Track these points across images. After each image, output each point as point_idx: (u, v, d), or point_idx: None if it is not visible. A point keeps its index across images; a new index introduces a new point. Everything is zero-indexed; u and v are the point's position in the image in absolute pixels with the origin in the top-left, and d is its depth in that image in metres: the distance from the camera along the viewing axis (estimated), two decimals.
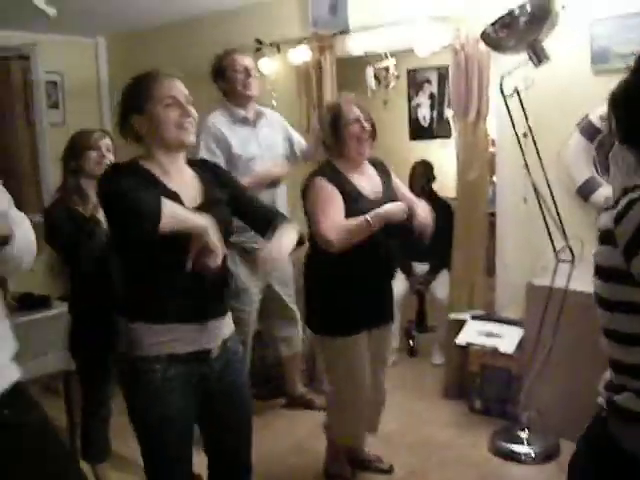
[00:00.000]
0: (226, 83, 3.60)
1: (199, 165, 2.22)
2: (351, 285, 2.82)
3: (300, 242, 2.24)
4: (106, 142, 2.95)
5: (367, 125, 2.83)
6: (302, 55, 4.45)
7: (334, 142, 2.85)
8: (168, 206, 1.87)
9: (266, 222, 2.21)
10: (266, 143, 3.63)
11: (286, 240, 2.14)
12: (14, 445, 1.59)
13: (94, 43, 5.99)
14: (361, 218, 2.66)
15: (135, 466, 2.95)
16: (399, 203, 2.77)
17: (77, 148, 2.93)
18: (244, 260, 3.51)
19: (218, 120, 3.54)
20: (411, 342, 4.89)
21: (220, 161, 3.36)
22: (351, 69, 4.57)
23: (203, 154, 3.39)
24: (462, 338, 3.75)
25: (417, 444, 3.52)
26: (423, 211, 2.91)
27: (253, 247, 3.18)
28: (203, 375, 2.11)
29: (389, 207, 2.71)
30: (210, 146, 3.46)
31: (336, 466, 3.18)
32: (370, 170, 2.94)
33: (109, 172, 2.09)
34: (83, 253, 2.79)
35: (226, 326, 2.19)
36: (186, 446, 2.15)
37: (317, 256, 2.90)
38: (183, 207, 1.97)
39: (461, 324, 3.86)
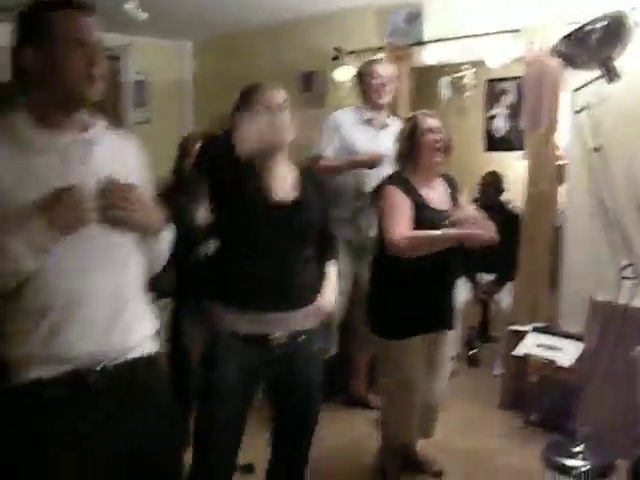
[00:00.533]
0: (363, 87, 3.92)
1: (305, 170, 2.41)
2: (409, 290, 2.91)
3: None
4: None
5: (441, 136, 2.93)
6: None
7: (409, 151, 2.97)
8: None
9: (324, 250, 2.45)
10: (385, 147, 3.66)
11: (330, 292, 2.40)
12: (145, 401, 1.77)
13: (180, 46, 6.26)
14: (432, 232, 2.76)
15: None
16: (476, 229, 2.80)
17: (181, 156, 3.14)
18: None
19: (341, 114, 3.96)
20: (472, 351, 4.91)
21: (332, 146, 3.82)
22: (426, 78, 4.65)
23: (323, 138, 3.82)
24: (520, 349, 3.76)
25: (470, 451, 3.56)
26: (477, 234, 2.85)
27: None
28: (263, 359, 2.25)
29: (464, 230, 2.76)
30: (328, 133, 3.84)
31: (386, 460, 3.25)
32: (440, 185, 3.04)
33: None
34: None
35: (299, 320, 2.29)
36: (229, 422, 2.28)
37: (380, 259, 3.01)
38: None
39: (521, 335, 3.87)
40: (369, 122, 3.87)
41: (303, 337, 2.30)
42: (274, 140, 2.25)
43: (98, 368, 1.66)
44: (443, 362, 3.20)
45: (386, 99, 3.88)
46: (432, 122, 2.95)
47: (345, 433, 3.76)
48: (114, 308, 1.69)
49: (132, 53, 5.37)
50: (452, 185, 3.08)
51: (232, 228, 2.22)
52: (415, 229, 2.82)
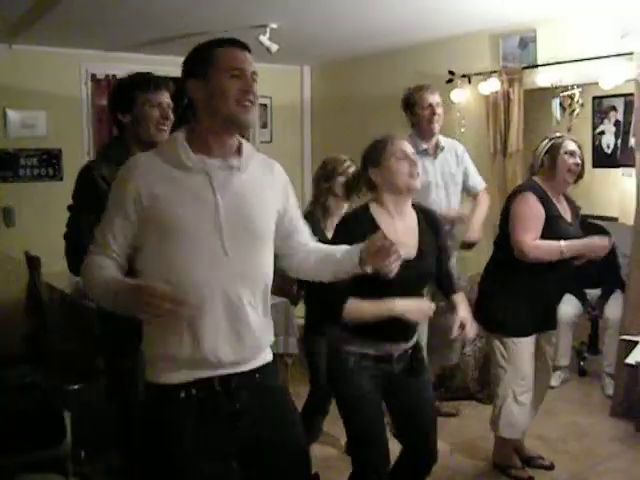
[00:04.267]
0: (413, 117, 3.94)
1: (422, 212, 2.66)
2: (531, 294, 3.20)
3: None
4: (352, 170, 3.34)
5: (580, 162, 3.22)
6: (491, 86, 4.79)
7: (549, 166, 3.22)
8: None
9: (448, 286, 2.72)
10: (441, 171, 3.96)
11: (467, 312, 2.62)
12: (266, 402, 2.01)
13: (300, 71, 6.68)
14: (557, 243, 3.07)
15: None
16: (599, 242, 3.13)
17: (330, 172, 3.40)
18: None
19: None
20: (581, 363, 5.03)
21: None
22: (537, 98, 4.84)
23: None
24: (632, 357, 3.88)
25: (580, 453, 3.72)
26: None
27: None
28: (387, 372, 2.58)
29: (587, 242, 3.13)
30: None
31: (506, 458, 3.47)
32: (563, 200, 3.31)
33: (343, 220, 2.65)
34: None
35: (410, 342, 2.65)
36: (378, 420, 2.58)
37: (506, 262, 3.26)
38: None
39: (633, 345, 3.98)
40: (425, 152, 3.85)
41: (411, 351, 2.65)
42: (415, 186, 2.56)
43: (233, 372, 1.90)
44: (550, 358, 3.52)
45: (438, 127, 3.88)
46: (575, 146, 3.22)
47: (457, 434, 3.98)
48: (243, 319, 1.90)
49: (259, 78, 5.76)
50: (571, 202, 3.35)
51: (366, 283, 2.34)
52: (548, 239, 3.11)
